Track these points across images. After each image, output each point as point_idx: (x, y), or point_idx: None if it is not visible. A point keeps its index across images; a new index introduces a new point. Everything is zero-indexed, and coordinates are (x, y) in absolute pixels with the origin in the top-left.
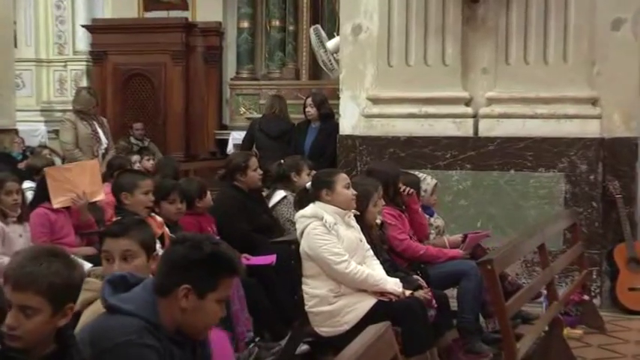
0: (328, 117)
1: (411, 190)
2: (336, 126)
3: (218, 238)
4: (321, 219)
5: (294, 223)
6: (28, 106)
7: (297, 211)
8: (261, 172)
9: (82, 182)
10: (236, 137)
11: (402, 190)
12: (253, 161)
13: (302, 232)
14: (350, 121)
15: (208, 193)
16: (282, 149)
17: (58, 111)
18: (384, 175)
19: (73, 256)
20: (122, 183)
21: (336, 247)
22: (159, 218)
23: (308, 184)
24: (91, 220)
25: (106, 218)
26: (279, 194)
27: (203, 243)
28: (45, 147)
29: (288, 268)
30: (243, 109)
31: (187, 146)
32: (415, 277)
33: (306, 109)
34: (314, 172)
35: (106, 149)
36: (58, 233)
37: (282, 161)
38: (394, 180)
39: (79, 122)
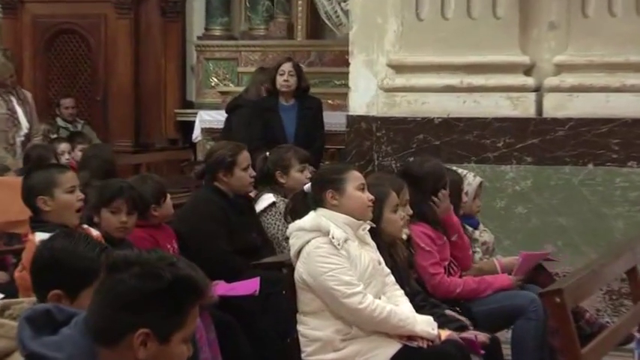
0: (305, 93)
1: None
2: (321, 108)
3: (173, 255)
4: (327, 233)
5: (286, 239)
6: None
7: (290, 221)
8: (253, 173)
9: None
10: (205, 118)
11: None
12: (244, 157)
13: (299, 252)
14: (363, 96)
15: (168, 197)
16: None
17: None
18: (431, 178)
19: None
20: (33, 184)
21: (346, 273)
22: (95, 232)
23: (307, 186)
24: None
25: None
26: (266, 199)
27: (159, 268)
28: None
29: (277, 300)
30: (215, 80)
31: (137, 131)
32: (455, 314)
33: (283, 78)
34: (309, 167)
35: (28, 136)
36: None
37: (267, 154)
38: (436, 184)
39: None
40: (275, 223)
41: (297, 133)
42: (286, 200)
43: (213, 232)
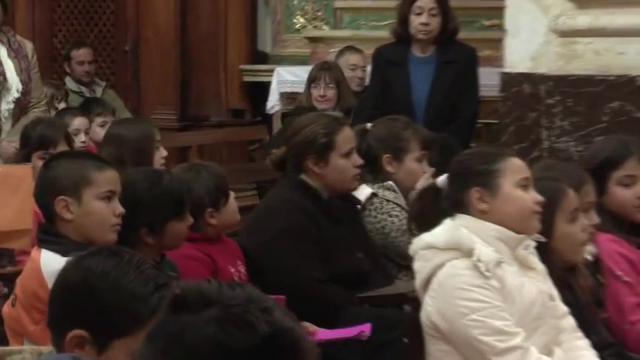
0: (450, 39)
1: None
2: (476, 61)
3: (265, 296)
4: (470, 254)
5: (399, 258)
6: None
7: (416, 233)
8: (359, 160)
9: None
10: (285, 78)
11: None
12: (346, 136)
13: (427, 281)
14: (527, 44)
15: (232, 197)
16: None
17: None
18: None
19: None
20: (54, 177)
21: (498, 315)
22: None
23: (440, 179)
24: None
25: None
26: (363, 191)
27: (249, 314)
28: None
29: (394, 351)
30: (301, 20)
31: (184, 98)
32: None
33: (420, 20)
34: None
35: (20, 102)
36: None
37: (366, 126)
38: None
39: None
40: (375, 227)
41: (430, 97)
42: (391, 193)
43: (298, 251)
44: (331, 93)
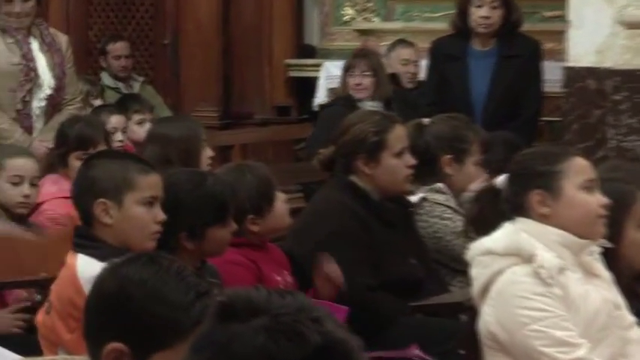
0: (513, 32)
1: None
2: (540, 55)
3: (317, 306)
4: (531, 259)
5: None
6: None
7: (473, 237)
8: (412, 160)
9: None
10: (334, 73)
11: None
12: (399, 134)
13: (485, 288)
14: (592, 36)
15: (280, 200)
16: None
17: None
18: None
19: None
20: (95, 178)
21: (561, 325)
22: None
23: (500, 180)
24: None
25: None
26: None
27: (300, 324)
28: None
29: None
30: (349, 12)
31: (227, 94)
32: None
33: (481, 12)
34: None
35: (53, 99)
36: None
37: (423, 121)
38: None
39: None
40: (427, 232)
41: (490, 93)
42: (441, 196)
43: (348, 257)
44: (368, 81)
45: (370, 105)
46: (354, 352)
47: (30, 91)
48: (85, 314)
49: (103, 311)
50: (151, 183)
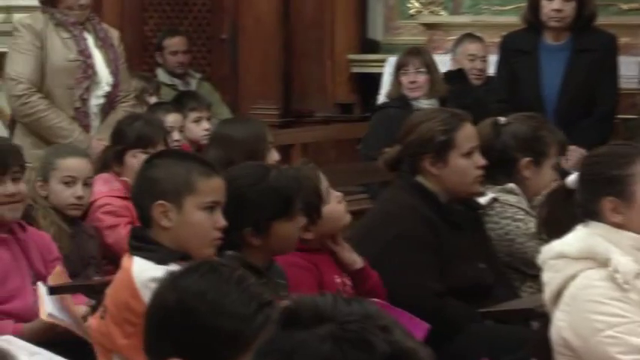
0: (587, 26)
1: None
2: (616, 49)
3: (383, 314)
4: (606, 264)
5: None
6: None
7: (545, 240)
8: (481, 161)
9: None
10: None
11: None
12: (468, 133)
13: (558, 293)
14: None
15: (335, 202)
16: None
17: None
18: None
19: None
20: (156, 179)
21: (638, 331)
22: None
23: (570, 180)
24: None
25: (105, 242)
26: (484, 196)
27: (368, 332)
28: None
29: None
30: (415, 5)
31: (287, 91)
32: None
33: (552, 6)
34: (572, 150)
35: (111, 97)
36: None
37: (500, 120)
38: None
39: (51, 33)
40: (497, 233)
41: (563, 89)
42: (513, 197)
43: (415, 261)
44: (422, 79)
45: (426, 104)
46: None
47: (88, 89)
48: (145, 328)
49: (162, 325)
50: (213, 187)
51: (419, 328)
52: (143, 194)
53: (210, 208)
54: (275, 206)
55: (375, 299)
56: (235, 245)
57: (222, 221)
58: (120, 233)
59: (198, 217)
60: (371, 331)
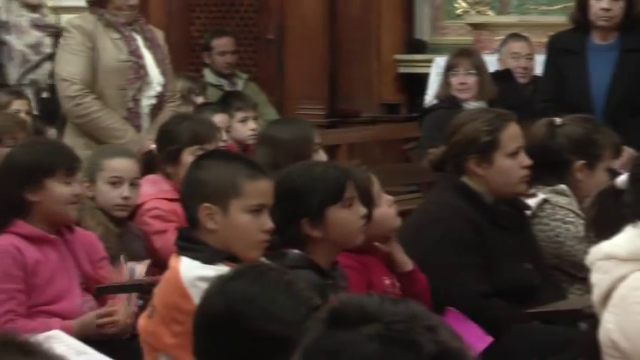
0: (635, 25)
1: None
2: None
3: (423, 308)
4: None
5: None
6: None
7: (594, 240)
8: (527, 161)
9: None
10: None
11: None
12: (513, 133)
13: (607, 295)
14: None
15: (385, 205)
16: None
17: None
18: None
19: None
20: (202, 182)
21: None
22: None
23: (620, 180)
24: None
25: (151, 246)
26: (535, 197)
27: (415, 332)
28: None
29: None
30: (462, 4)
31: (333, 91)
32: None
33: (601, 4)
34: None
35: (162, 98)
36: (39, 290)
37: (555, 120)
38: None
39: (101, 34)
40: (547, 235)
41: (611, 89)
42: (564, 198)
43: (458, 261)
44: (472, 80)
45: (475, 106)
46: None
47: (140, 89)
48: (193, 332)
49: (211, 331)
50: (259, 190)
51: (482, 340)
52: (190, 196)
53: (257, 210)
54: (325, 191)
55: (450, 307)
56: (297, 242)
57: (269, 224)
58: (168, 239)
59: (244, 220)
60: (417, 331)
